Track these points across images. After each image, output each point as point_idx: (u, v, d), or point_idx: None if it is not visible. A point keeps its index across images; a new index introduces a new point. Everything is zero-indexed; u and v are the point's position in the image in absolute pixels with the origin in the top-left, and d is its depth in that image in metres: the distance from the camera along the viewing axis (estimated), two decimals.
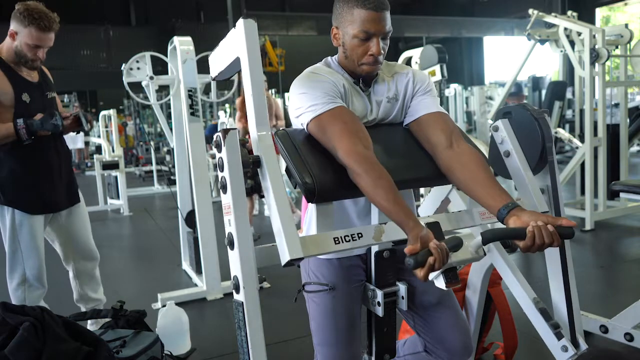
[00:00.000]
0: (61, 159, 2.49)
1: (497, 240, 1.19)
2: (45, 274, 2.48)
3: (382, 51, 1.37)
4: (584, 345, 1.43)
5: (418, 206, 1.75)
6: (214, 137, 1.17)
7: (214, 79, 1.37)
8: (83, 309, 2.66)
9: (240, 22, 1.23)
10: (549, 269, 1.54)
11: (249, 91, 1.23)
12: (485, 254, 1.26)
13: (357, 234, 1.21)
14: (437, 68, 4.32)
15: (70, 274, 2.67)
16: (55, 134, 2.41)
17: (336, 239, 1.18)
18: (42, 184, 2.40)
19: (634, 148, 9.77)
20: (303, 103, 1.34)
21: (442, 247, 1.14)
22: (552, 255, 1.52)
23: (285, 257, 1.11)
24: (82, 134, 2.99)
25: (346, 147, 1.26)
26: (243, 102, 5.58)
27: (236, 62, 1.30)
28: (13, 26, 2.26)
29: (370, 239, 1.22)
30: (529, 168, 1.48)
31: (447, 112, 1.48)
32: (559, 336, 1.40)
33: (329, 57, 1.49)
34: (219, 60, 1.45)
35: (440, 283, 1.18)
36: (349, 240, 1.19)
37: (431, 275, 1.16)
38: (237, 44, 1.26)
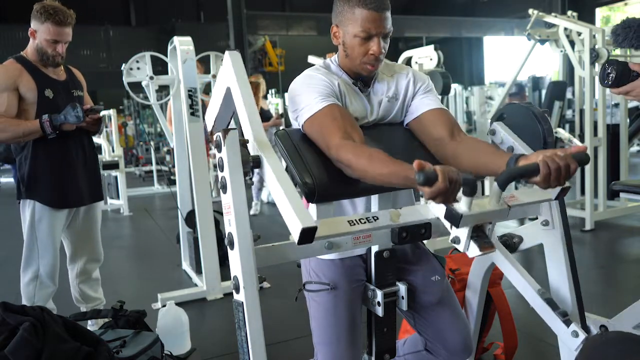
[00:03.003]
0: (87, 155, 2.55)
1: (513, 179, 1.10)
2: (57, 272, 2.51)
3: (382, 50, 1.38)
4: (595, 329, 1.42)
5: None
6: (214, 137, 1.17)
7: (211, 134, 1.35)
8: (83, 309, 2.67)
9: (226, 55, 1.31)
10: (550, 267, 1.54)
11: (240, 103, 1.25)
12: (509, 207, 1.17)
13: (373, 217, 1.16)
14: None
15: (71, 274, 2.68)
16: (82, 131, 2.48)
17: (351, 222, 1.13)
18: (64, 179, 2.44)
19: (634, 148, 9.76)
20: (298, 104, 1.37)
21: (452, 169, 1.03)
22: (552, 252, 1.52)
23: (297, 227, 1.02)
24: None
25: (335, 143, 1.27)
26: None
27: (228, 97, 1.33)
28: (32, 25, 2.36)
29: (387, 221, 1.17)
30: None
31: (447, 109, 1.49)
32: (568, 323, 1.39)
33: (329, 59, 1.51)
34: (212, 107, 1.49)
35: (474, 250, 1.11)
36: (365, 223, 1.13)
37: (461, 246, 1.10)
38: (226, 76, 1.32)
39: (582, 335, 1.37)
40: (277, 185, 1.11)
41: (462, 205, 1.05)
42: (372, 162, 1.19)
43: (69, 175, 2.45)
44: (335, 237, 1.17)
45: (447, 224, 1.10)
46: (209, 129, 1.58)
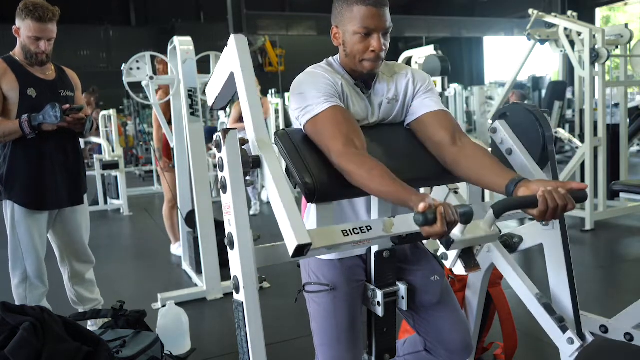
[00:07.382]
0: (68, 157, 2.49)
1: (509, 210, 1.12)
2: (45, 273, 2.48)
3: (383, 47, 1.37)
4: (590, 337, 1.42)
5: None
6: (214, 137, 1.17)
7: (212, 109, 1.39)
8: (81, 310, 2.66)
9: (232, 38, 1.28)
10: (550, 267, 1.54)
11: (244, 101, 1.24)
12: (500, 232, 1.20)
13: (366, 226, 1.17)
14: (438, 80, 4.24)
15: (65, 277, 2.66)
16: (65, 132, 2.42)
17: (345, 232, 1.14)
18: (42, 180, 2.40)
19: (634, 148, 9.76)
20: (300, 104, 1.36)
21: (450, 205, 1.06)
22: (552, 252, 1.52)
23: (292, 243, 1.05)
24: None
25: (338, 149, 1.26)
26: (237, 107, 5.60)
27: (231, 80, 1.31)
28: (16, 23, 2.34)
29: (380, 231, 1.18)
30: (534, 161, 1.47)
31: (448, 110, 1.48)
32: (564, 329, 1.40)
33: (331, 58, 1.50)
34: (214, 85, 1.48)
35: (459, 269, 1.13)
36: (358, 233, 1.15)
37: (448, 263, 1.12)
38: (230, 60, 1.29)
39: (578, 343, 1.37)
40: (276, 194, 1.12)
41: (455, 230, 1.06)
42: (372, 177, 1.20)
43: (47, 177, 2.40)
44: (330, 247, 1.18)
45: (437, 241, 1.11)
46: (210, 104, 1.58)
